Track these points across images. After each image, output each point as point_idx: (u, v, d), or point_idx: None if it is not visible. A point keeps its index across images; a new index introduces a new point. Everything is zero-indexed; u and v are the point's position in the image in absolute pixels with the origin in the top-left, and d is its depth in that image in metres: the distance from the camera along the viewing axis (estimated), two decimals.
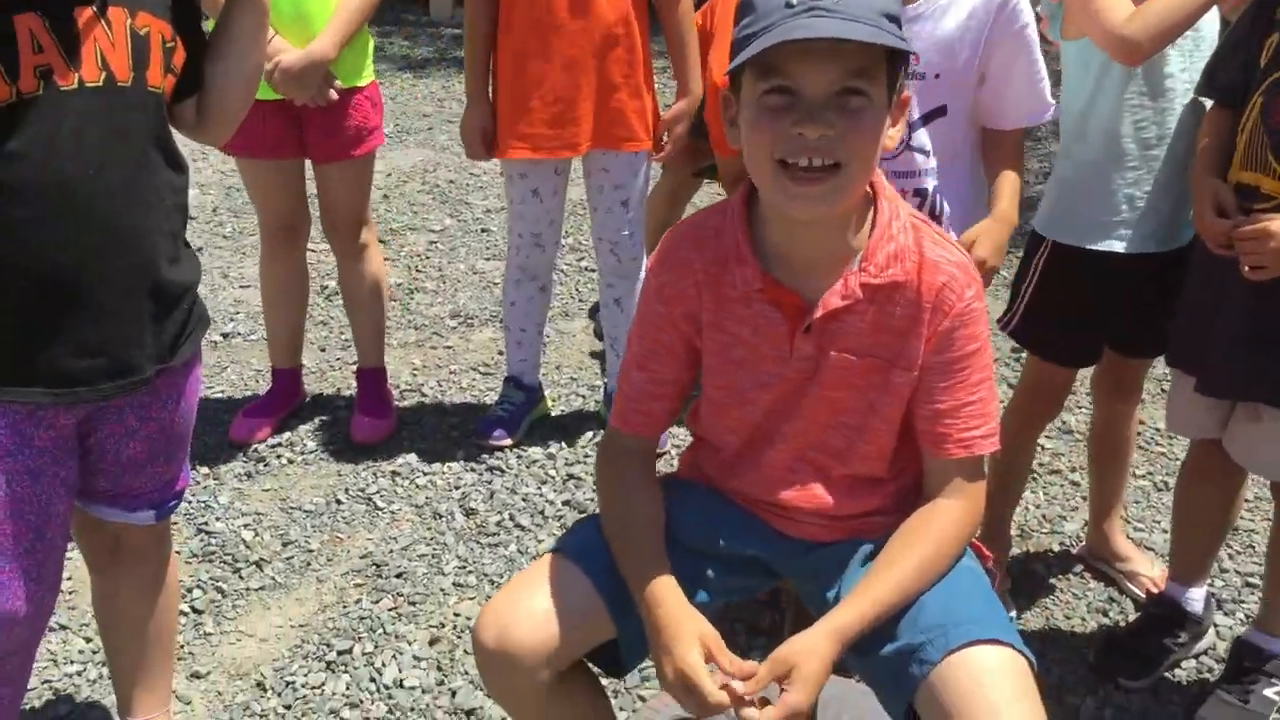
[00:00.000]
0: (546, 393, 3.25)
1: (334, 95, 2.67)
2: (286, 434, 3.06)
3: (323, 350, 3.54)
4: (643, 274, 3.01)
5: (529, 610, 1.52)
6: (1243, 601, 2.62)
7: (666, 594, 1.50)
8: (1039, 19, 2.23)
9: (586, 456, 3.04)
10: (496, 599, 1.56)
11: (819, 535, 1.64)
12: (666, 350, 1.64)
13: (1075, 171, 2.25)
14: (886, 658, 1.48)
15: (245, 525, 2.70)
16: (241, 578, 2.54)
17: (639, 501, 1.63)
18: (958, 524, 1.56)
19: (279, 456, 2.97)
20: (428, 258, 4.24)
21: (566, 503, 2.84)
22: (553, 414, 3.24)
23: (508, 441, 3.05)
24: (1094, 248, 2.22)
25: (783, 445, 1.62)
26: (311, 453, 3.00)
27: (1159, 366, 2.83)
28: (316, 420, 3.14)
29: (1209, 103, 2.12)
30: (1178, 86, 2.17)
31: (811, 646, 1.43)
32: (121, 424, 1.66)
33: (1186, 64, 2.16)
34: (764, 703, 1.41)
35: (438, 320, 3.77)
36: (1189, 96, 2.17)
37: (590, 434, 3.14)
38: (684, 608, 1.50)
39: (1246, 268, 1.90)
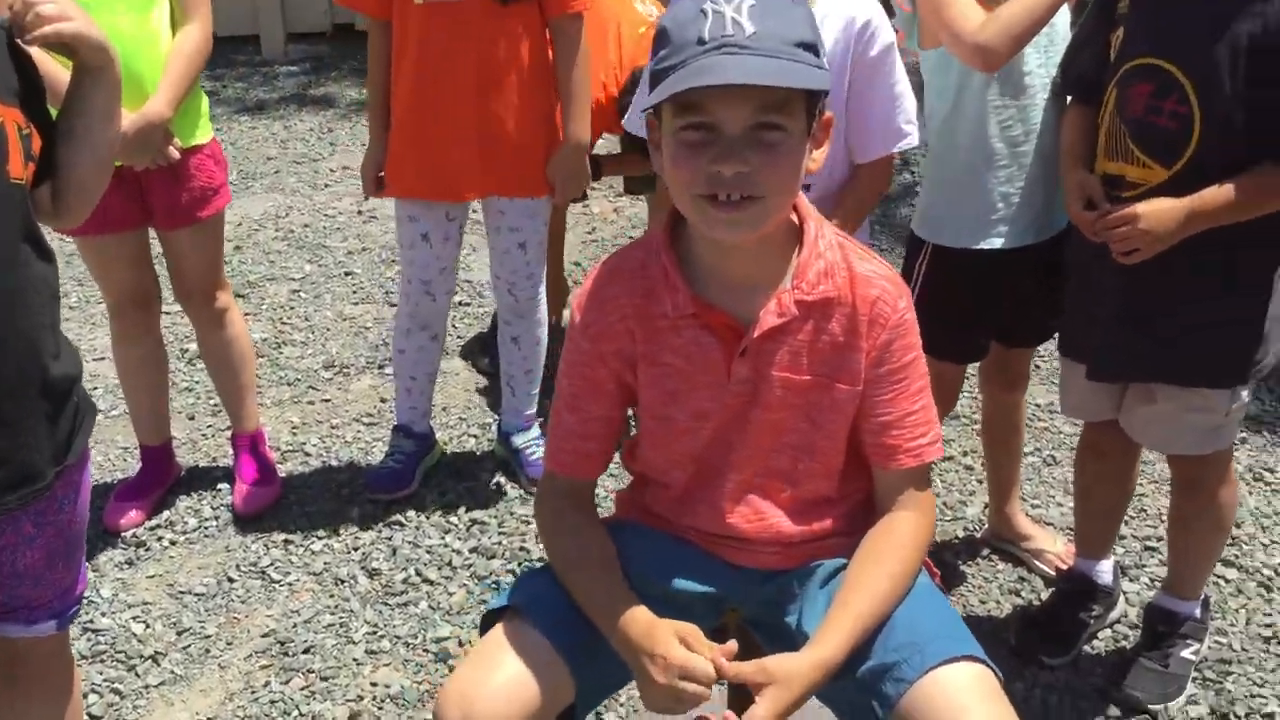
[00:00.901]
0: (436, 436, 3.15)
1: (175, 154, 2.54)
2: (165, 514, 2.90)
3: (191, 419, 3.37)
4: (540, 313, 2.95)
5: (493, 684, 1.47)
6: (1144, 565, 2.69)
7: (636, 614, 1.49)
8: (896, 32, 2.25)
9: (487, 500, 2.96)
10: (457, 677, 1.50)
11: (775, 563, 1.63)
12: (597, 389, 1.61)
13: (948, 175, 2.28)
14: (860, 679, 1.48)
15: (134, 618, 2.54)
16: (138, 675, 2.38)
17: (588, 540, 1.60)
18: (917, 536, 1.56)
19: (159, 539, 2.81)
20: (291, 308, 4.08)
21: (474, 550, 2.76)
22: (446, 457, 3.15)
23: (404, 493, 2.95)
24: (976, 247, 2.25)
25: (731, 474, 1.60)
26: (194, 530, 2.84)
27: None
28: (195, 495, 2.98)
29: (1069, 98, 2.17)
30: (1037, 83, 2.21)
31: (797, 672, 1.43)
32: (18, 533, 1.56)
33: (1043, 60, 2.20)
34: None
35: (311, 373, 3.63)
36: (1049, 91, 2.22)
37: (488, 475, 3.06)
38: (651, 620, 1.48)
39: (1119, 254, 1.94)
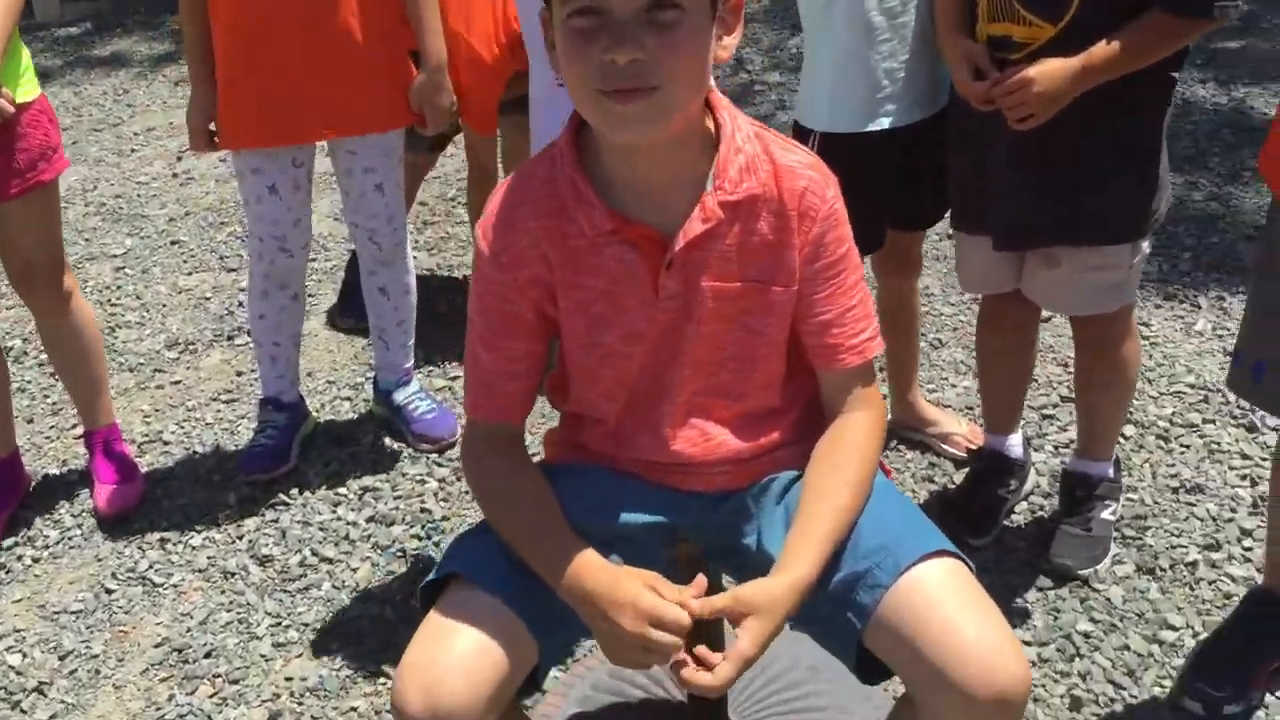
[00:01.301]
0: (308, 404, 2.94)
1: (9, 108, 2.25)
2: (22, 531, 2.62)
3: (30, 422, 3.07)
4: (406, 259, 2.76)
5: (451, 660, 1.34)
6: (1045, 434, 2.71)
7: (589, 563, 1.38)
8: None
9: (375, 465, 2.78)
10: (410, 661, 1.35)
11: (727, 484, 1.54)
12: (514, 322, 1.47)
13: (828, 58, 2.18)
14: (833, 592, 1.41)
15: (7, 649, 2.30)
16: (24, 711, 2.15)
17: (524, 487, 1.48)
18: (871, 435, 1.49)
19: (19, 558, 2.54)
20: (119, 287, 3.76)
21: (371, 519, 2.59)
22: (321, 425, 2.95)
23: (283, 470, 2.75)
24: (866, 129, 2.16)
25: (669, 397, 1.50)
26: (57, 543, 2.58)
27: None
28: (49, 505, 2.71)
29: None
30: None
31: (771, 598, 1.34)
32: None
33: None
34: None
35: (154, 354, 3.35)
36: None
37: (371, 438, 2.88)
38: (612, 569, 1.38)
39: (1014, 120, 1.89)
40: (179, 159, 4.76)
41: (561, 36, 1.30)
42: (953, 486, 2.55)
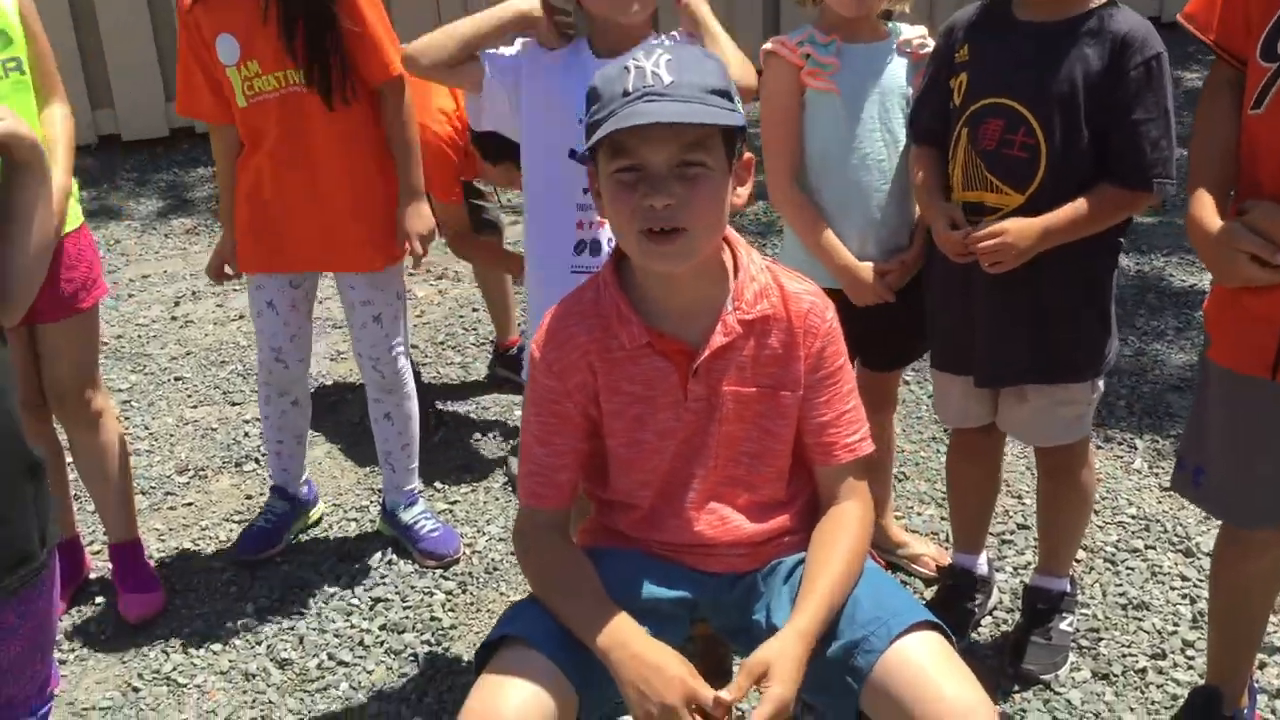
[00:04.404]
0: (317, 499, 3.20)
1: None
2: None
3: None
4: (407, 385, 3.00)
5: (509, 708, 1.54)
6: (1005, 557, 2.97)
7: (624, 632, 1.60)
8: None
9: (383, 578, 2.96)
10: (471, 703, 1.57)
11: (740, 566, 1.78)
12: (564, 422, 1.73)
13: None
14: (832, 658, 1.63)
15: None
16: None
17: (570, 561, 1.72)
18: (863, 521, 1.75)
19: None
20: (127, 418, 3.93)
21: (383, 627, 2.76)
22: (330, 539, 3.13)
23: (272, 552, 3.04)
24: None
25: (695, 486, 1.75)
26: (84, 645, 2.72)
27: None
28: (75, 611, 2.85)
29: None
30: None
31: (781, 648, 1.57)
32: (1, 625, 1.52)
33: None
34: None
35: (164, 479, 3.52)
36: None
37: (379, 554, 3.06)
38: (648, 641, 1.59)
39: (987, 265, 2.20)
40: (176, 304, 4.99)
41: (608, 187, 1.62)
42: (925, 600, 2.78)
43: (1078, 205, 2.13)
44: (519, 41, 2.21)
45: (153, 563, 3.03)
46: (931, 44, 2.42)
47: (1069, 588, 2.62)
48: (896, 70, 2.45)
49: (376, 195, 2.83)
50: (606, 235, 2.18)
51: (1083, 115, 2.11)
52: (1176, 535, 3.00)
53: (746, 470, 1.77)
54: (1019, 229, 2.13)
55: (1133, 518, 3.10)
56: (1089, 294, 2.28)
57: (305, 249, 2.82)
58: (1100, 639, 2.63)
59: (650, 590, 1.73)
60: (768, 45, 2.46)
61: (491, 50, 2.17)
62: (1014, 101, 2.14)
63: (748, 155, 1.67)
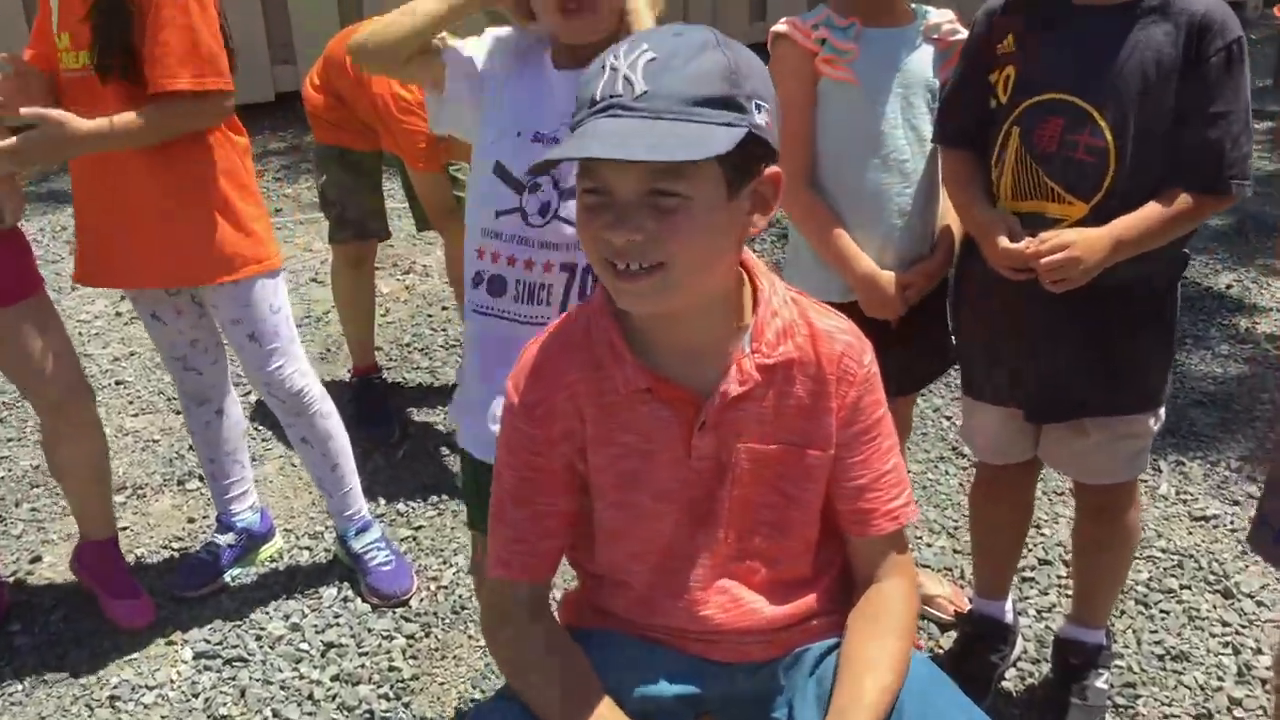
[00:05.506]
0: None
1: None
2: None
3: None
4: (316, 403, 2.63)
5: None
6: (1027, 597, 2.69)
7: None
8: None
9: (337, 617, 2.65)
10: None
11: (758, 655, 1.48)
12: (547, 478, 1.42)
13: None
14: None
15: None
16: None
17: (559, 655, 1.41)
18: (908, 604, 1.46)
19: None
20: None
21: (335, 678, 2.45)
22: (280, 569, 2.81)
23: (204, 590, 2.73)
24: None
25: (701, 561, 1.44)
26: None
27: None
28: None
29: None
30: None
31: None
32: None
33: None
34: None
35: None
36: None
37: (333, 590, 2.74)
38: None
39: (1050, 282, 1.88)
40: (122, 298, 4.65)
41: (577, 204, 1.31)
42: (940, 649, 2.50)
43: (1149, 213, 1.83)
44: (488, 34, 1.86)
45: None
46: (963, 31, 2.12)
47: (1104, 640, 2.34)
48: (922, 59, 2.16)
49: (196, 196, 2.37)
50: (517, 276, 1.79)
51: (1159, 110, 1.81)
52: (1213, 574, 2.73)
53: (765, 542, 1.46)
54: (1087, 241, 1.82)
55: (1163, 552, 2.83)
56: (1158, 313, 1.99)
57: (134, 262, 2.42)
58: (1138, 696, 2.36)
59: (653, 688, 1.43)
60: (779, 26, 2.15)
61: (456, 45, 1.82)
62: (1076, 97, 1.83)
63: (772, 170, 1.32)
